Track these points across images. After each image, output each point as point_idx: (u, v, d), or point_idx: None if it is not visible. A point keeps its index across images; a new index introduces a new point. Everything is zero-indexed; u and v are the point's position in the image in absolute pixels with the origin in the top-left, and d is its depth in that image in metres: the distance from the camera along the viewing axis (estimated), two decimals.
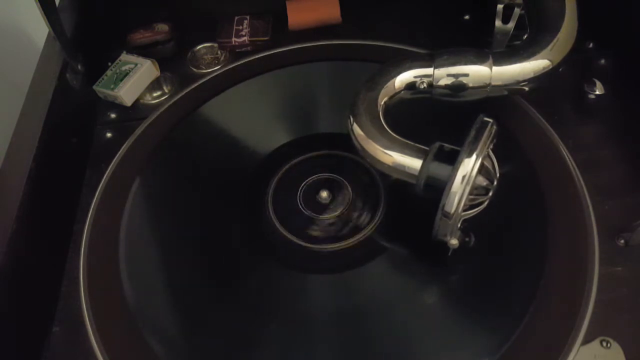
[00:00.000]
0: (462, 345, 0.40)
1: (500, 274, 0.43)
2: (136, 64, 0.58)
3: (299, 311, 0.43)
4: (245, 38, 0.62)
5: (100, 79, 0.58)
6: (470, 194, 0.37)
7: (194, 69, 0.62)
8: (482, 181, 0.38)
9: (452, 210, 0.37)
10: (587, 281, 0.41)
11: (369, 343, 0.41)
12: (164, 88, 0.60)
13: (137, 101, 0.59)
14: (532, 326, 0.39)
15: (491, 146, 0.38)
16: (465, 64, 0.42)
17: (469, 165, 0.36)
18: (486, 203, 0.39)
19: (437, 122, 0.49)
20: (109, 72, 0.59)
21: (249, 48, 0.63)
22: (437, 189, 0.38)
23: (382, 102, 0.43)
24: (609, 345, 0.39)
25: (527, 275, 0.42)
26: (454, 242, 0.40)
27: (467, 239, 0.44)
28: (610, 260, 0.43)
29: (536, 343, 0.39)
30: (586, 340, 0.39)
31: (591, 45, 0.59)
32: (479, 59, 0.42)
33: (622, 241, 0.45)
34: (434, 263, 0.45)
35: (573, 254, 0.43)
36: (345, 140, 0.43)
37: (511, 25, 0.53)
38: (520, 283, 0.42)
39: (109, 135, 0.57)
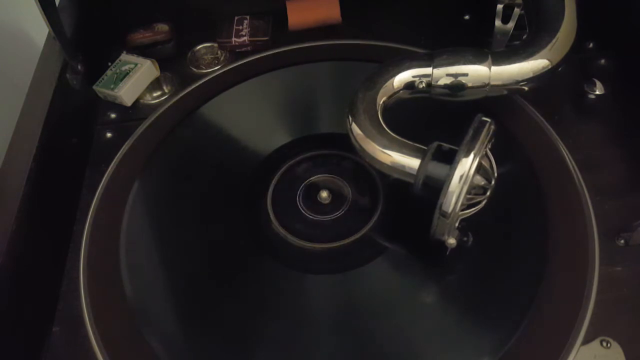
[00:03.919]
0: (462, 345, 0.40)
1: (500, 274, 0.43)
2: (136, 64, 0.58)
3: (298, 311, 0.43)
4: (245, 38, 0.63)
5: (100, 79, 0.58)
6: (467, 193, 0.37)
7: (194, 69, 0.62)
8: (480, 181, 0.38)
9: (450, 210, 0.37)
10: (587, 281, 0.41)
11: (369, 343, 0.41)
12: (164, 88, 0.60)
13: (137, 101, 0.59)
14: (532, 326, 0.39)
15: (489, 146, 0.38)
16: (464, 63, 0.42)
17: (467, 165, 0.36)
18: (484, 202, 0.39)
19: (436, 122, 0.49)
20: (109, 72, 0.59)
21: (249, 48, 0.63)
22: (435, 188, 0.38)
23: (381, 102, 0.43)
24: (609, 345, 0.39)
25: (527, 275, 0.42)
26: (452, 241, 0.40)
27: (465, 239, 0.44)
28: (610, 260, 0.43)
29: (536, 343, 0.39)
30: (586, 340, 0.39)
31: (591, 45, 0.59)
32: (478, 59, 0.42)
33: (622, 241, 0.44)
34: (434, 263, 0.45)
35: (573, 254, 0.43)
36: (345, 140, 0.43)
37: (511, 25, 0.53)
38: (520, 283, 0.42)
39: (109, 135, 0.57)
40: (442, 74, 0.43)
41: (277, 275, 0.45)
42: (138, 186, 0.50)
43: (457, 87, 0.43)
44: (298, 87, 0.59)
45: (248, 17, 0.64)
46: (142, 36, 0.63)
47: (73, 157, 0.54)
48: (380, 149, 0.40)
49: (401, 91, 0.44)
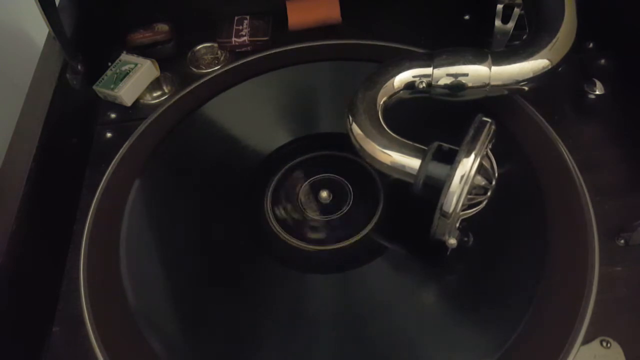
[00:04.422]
0: (462, 345, 0.40)
1: (500, 274, 0.43)
2: (136, 64, 0.58)
3: (298, 311, 0.43)
4: (245, 38, 0.63)
5: (100, 79, 0.58)
6: (468, 193, 0.37)
7: (194, 69, 0.62)
8: (481, 181, 0.38)
9: (451, 210, 0.37)
10: (587, 281, 0.41)
11: (369, 343, 0.41)
12: (164, 88, 0.60)
13: (137, 101, 0.59)
14: (532, 326, 0.39)
15: (490, 146, 0.38)
16: (464, 63, 0.42)
17: (468, 165, 0.36)
18: (484, 203, 0.39)
19: (436, 122, 0.49)
20: (109, 72, 0.59)
21: (249, 48, 0.63)
22: (435, 188, 0.38)
23: (381, 102, 0.43)
24: (609, 345, 0.39)
25: (527, 275, 0.42)
26: (453, 241, 0.40)
27: (465, 239, 0.44)
28: (610, 260, 0.43)
29: (536, 343, 0.39)
30: (586, 340, 0.39)
31: (591, 45, 0.59)
32: (478, 59, 0.42)
33: (622, 241, 0.44)
34: (434, 263, 0.45)
35: (573, 254, 0.43)
36: (345, 140, 0.43)
37: (511, 25, 0.53)
38: (520, 283, 0.42)
39: (109, 135, 0.57)
40: (442, 74, 0.43)
41: (277, 275, 0.45)
42: (138, 186, 0.50)
43: (457, 87, 0.43)
44: (298, 87, 0.59)
45: (248, 17, 0.64)
46: (142, 36, 0.63)
47: (73, 157, 0.54)
48: (380, 149, 0.40)
49: (401, 91, 0.44)
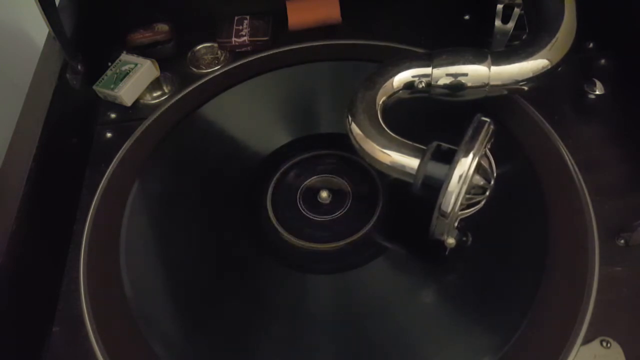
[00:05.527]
0: (462, 344, 0.40)
1: (500, 274, 0.43)
2: (136, 64, 0.58)
3: (298, 311, 0.43)
4: (245, 38, 0.63)
5: (100, 79, 0.58)
6: (467, 193, 0.37)
7: (194, 69, 0.62)
8: (479, 180, 0.38)
9: (449, 210, 0.37)
10: (587, 281, 0.41)
11: (369, 343, 0.41)
12: (164, 88, 0.60)
13: (137, 101, 0.59)
14: (532, 326, 0.39)
15: (488, 145, 0.38)
16: (464, 63, 0.42)
17: (466, 165, 0.36)
18: (483, 202, 0.39)
19: (436, 122, 0.49)
20: (109, 72, 0.59)
21: (249, 48, 0.63)
22: (434, 188, 0.38)
23: (381, 102, 0.43)
24: (609, 345, 0.39)
25: (527, 275, 0.42)
26: (451, 241, 0.40)
27: (464, 239, 0.44)
28: (610, 260, 0.43)
29: (536, 343, 0.39)
30: (586, 340, 0.39)
31: (591, 45, 0.59)
32: (478, 59, 0.42)
33: (622, 241, 0.44)
34: (434, 263, 0.45)
35: (573, 254, 0.43)
36: (345, 140, 0.43)
37: (511, 25, 0.53)
38: (520, 283, 0.42)
39: (109, 135, 0.57)
40: (441, 74, 0.43)
41: (277, 276, 0.45)
42: (138, 186, 0.50)
43: (456, 87, 0.43)
44: (298, 87, 0.59)
45: (248, 17, 0.64)
46: (142, 36, 0.63)
47: (73, 157, 0.54)
48: (380, 148, 0.40)
49: (401, 91, 0.44)
